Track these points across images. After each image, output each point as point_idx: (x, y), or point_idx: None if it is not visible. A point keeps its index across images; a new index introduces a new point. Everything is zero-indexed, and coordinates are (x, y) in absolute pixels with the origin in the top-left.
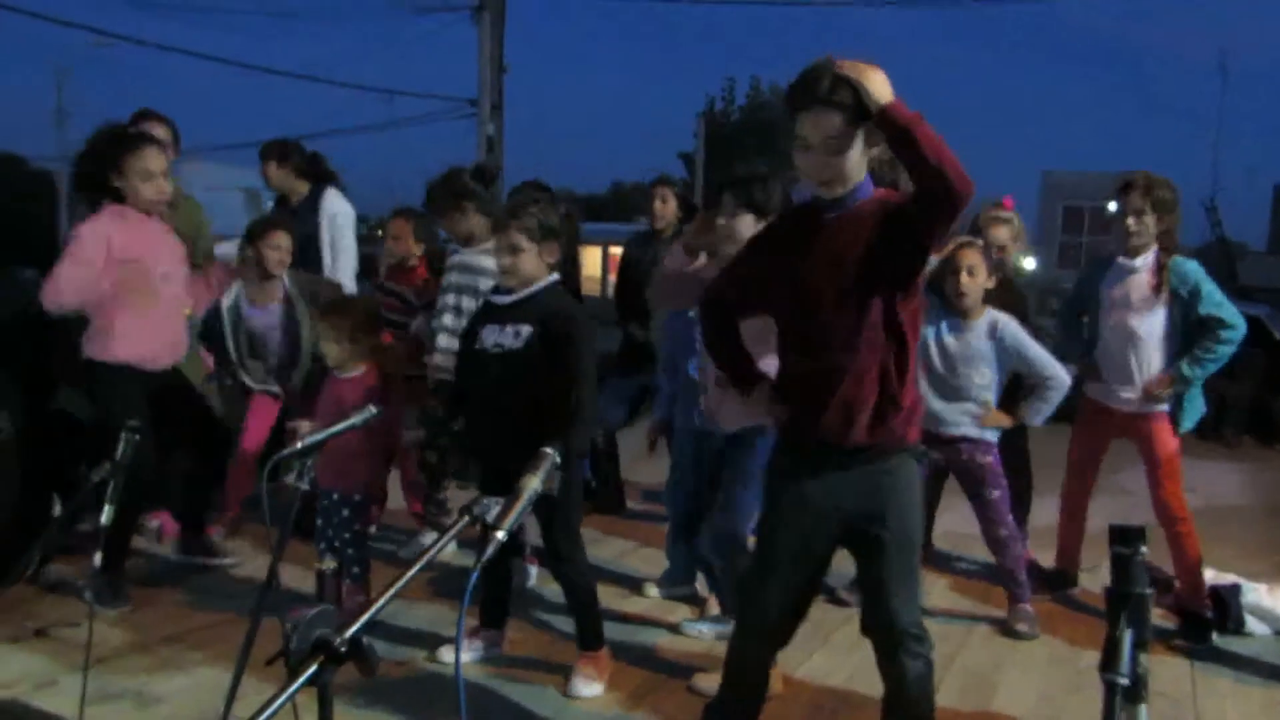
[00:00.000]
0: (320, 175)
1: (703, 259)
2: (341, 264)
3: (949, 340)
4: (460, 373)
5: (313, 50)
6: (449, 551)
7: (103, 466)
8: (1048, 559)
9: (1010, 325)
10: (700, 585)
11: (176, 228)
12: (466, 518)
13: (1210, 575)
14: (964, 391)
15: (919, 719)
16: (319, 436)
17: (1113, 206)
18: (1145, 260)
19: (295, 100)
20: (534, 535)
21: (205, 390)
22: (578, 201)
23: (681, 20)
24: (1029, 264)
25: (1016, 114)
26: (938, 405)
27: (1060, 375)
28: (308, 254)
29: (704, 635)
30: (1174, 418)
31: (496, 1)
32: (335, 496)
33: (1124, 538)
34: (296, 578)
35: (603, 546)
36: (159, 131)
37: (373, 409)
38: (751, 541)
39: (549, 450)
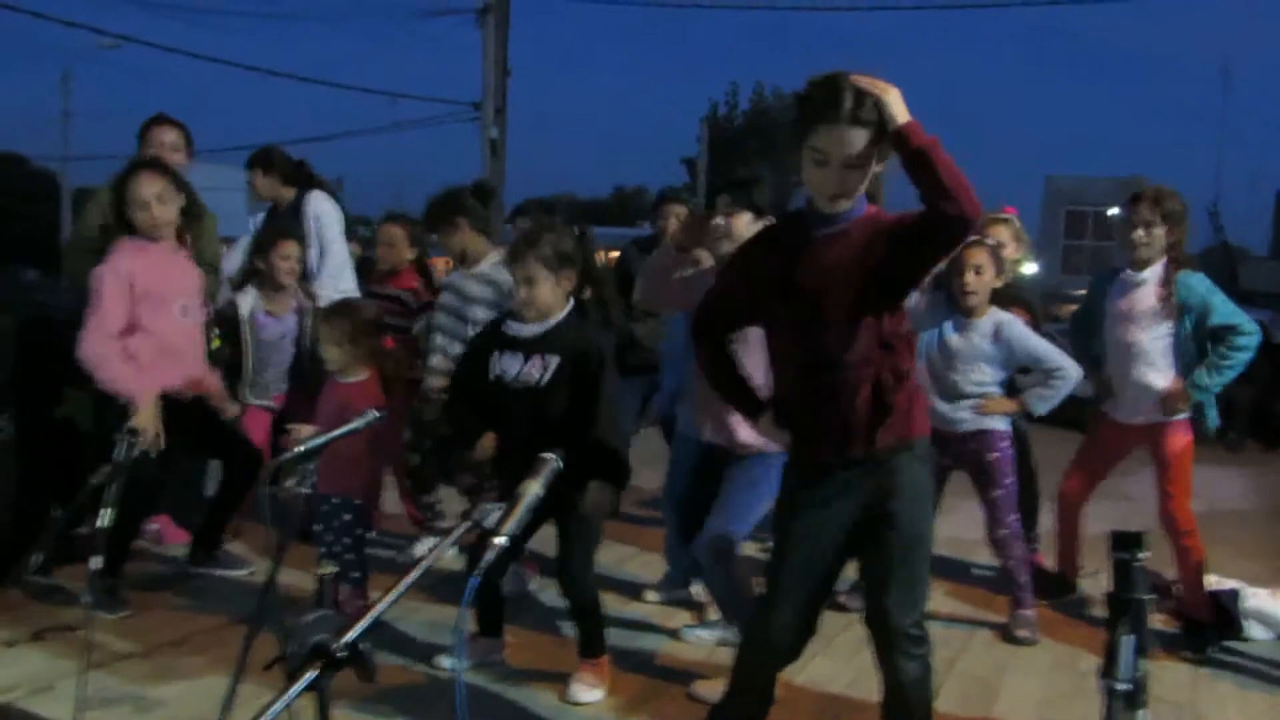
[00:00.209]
0: (306, 181)
1: (706, 259)
2: (329, 265)
3: (952, 338)
4: (469, 399)
5: (316, 53)
6: (448, 556)
7: (101, 470)
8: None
9: (1015, 324)
10: (699, 590)
11: (199, 246)
12: (466, 522)
13: (1212, 580)
14: (962, 389)
15: (915, 713)
16: (319, 441)
17: (1115, 212)
18: (1152, 273)
19: (298, 102)
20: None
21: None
22: (580, 206)
23: (685, 24)
24: (1030, 269)
25: (1020, 118)
26: (938, 404)
27: (1069, 367)
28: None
29: (704, 641)
30: (1195, 425)
31: (501, 4)
32: (335, 501)
33: (1124, 543)
34: (296, 583)
35: (602, 551)
36: (170, 136)
37: (374, 412)
38: (745, 548)
39: (550, 456)
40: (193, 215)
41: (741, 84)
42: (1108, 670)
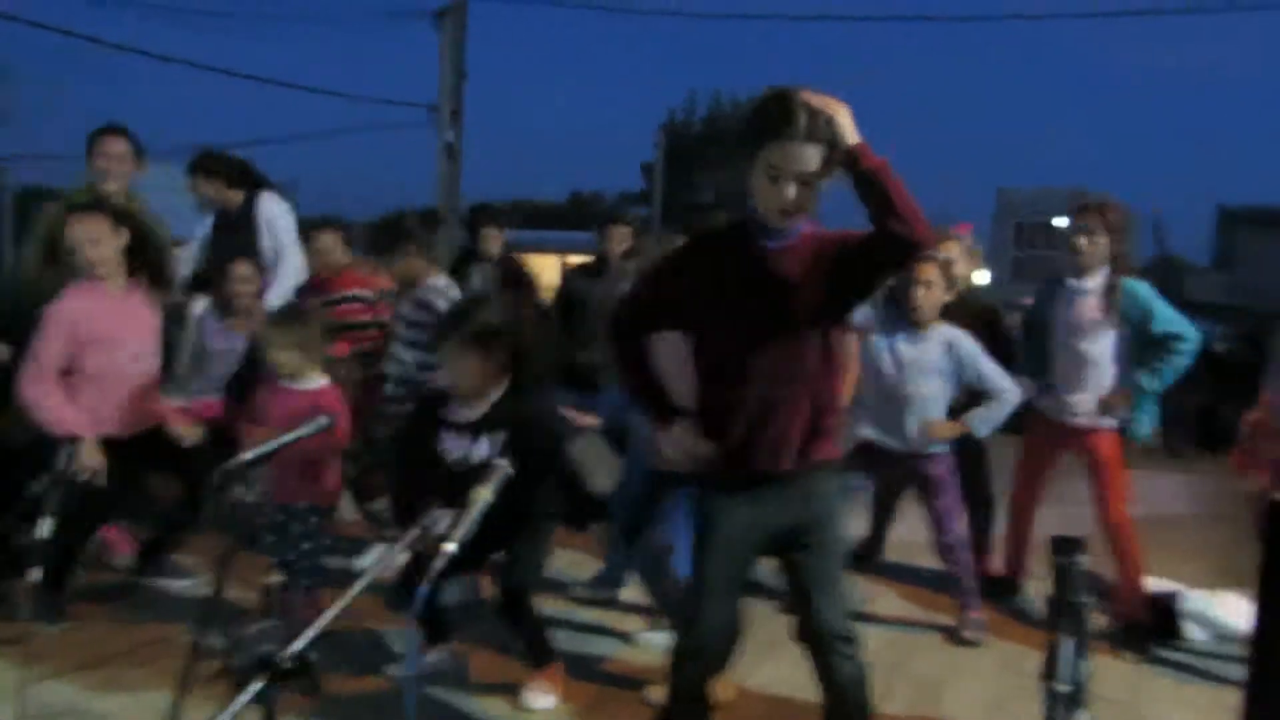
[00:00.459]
0: (252, 182)
1: None
2: (285, 268)
3: (903, 349)
4: (418, 473)
5: (270, 53)
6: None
7: (41, 479)
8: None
9: (964, 341)
10: (636, 592)
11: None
12: (416, 529)
13: (1152, 583)
14: (913, 401)
15: (856, 712)
16: (267, 447)
17: (1062, 222)
18: (1095, 282)
19: (252, 103)
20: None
21: None
22: (536, 210)
23: (643, 32)
24: (982, 278)
25: (972, 131)
26: (887, 418)
27: (1010, 389)
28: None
29: (657, 645)
30: (1128, 430)
31: (458, 8)
32: (287, 508)
33: (1064, 548)
34: (243, 592)
35: (555, 557)
36: (118, 147)
37: (323, 419)
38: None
39: (501, 462)
40: (143, 249)
41: (699, 92)
42: (1049, 672)
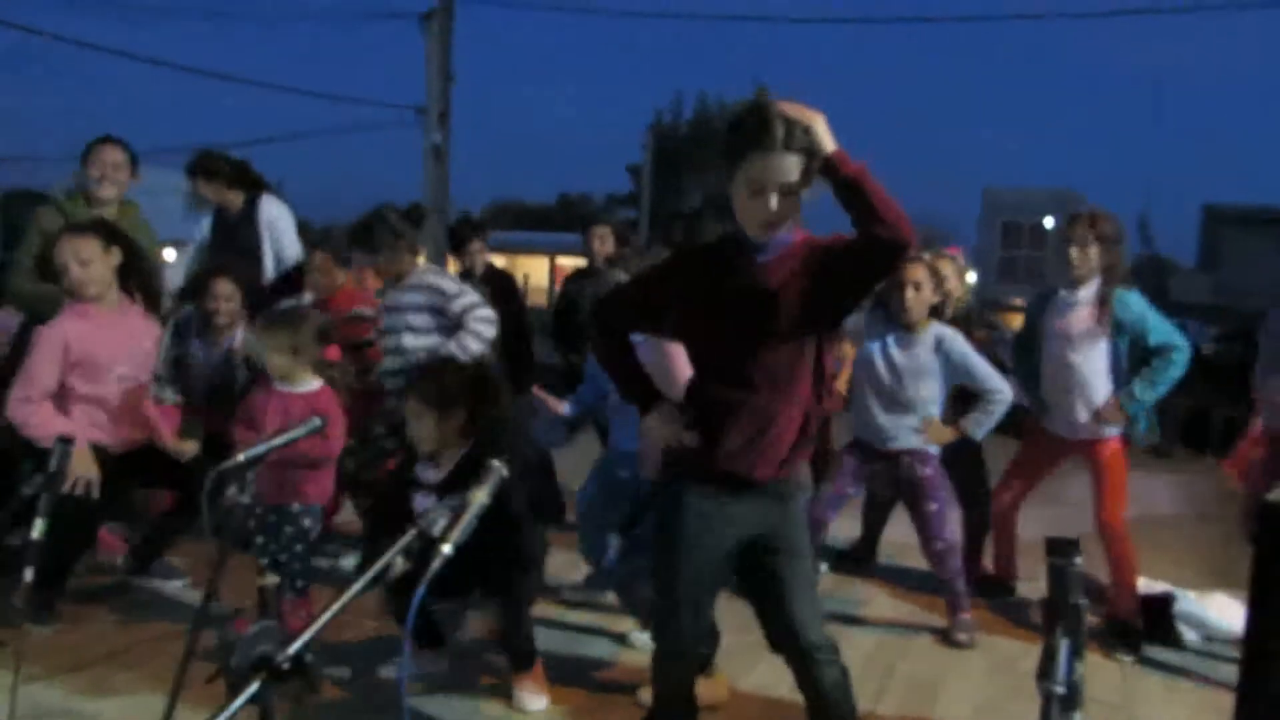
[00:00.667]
0: (251, 183)
1: None
2: (287, 268)
3: (895, 353)
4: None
5: (257, 54)
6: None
7: (35, 479)
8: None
9: (956, 340)
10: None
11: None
12: (413, 530)
13: (1143, 584)
14: (910, 404)
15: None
16: (261, 448)
17: (1050, 222)
18: (1087, 293)
19: (239, 104)
20: None
21: None
22: (525, 212)
23: (630, 34)
24: (969, 278)
25: (959, 132)
26: (883, 419)
27: (1003, 389)
28: (250, 267)
29: (651, 645)
30: (1129, 436)
31: (445, 9)
32: (280, 510)
33: (1059, 549)
34: (236, 594)
35: (545, 562)
36: (115, 156)
37: (316, 420)
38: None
39: (496, 463)
40: (136, 268)
41: (686, 94)
42: (1045, 673)
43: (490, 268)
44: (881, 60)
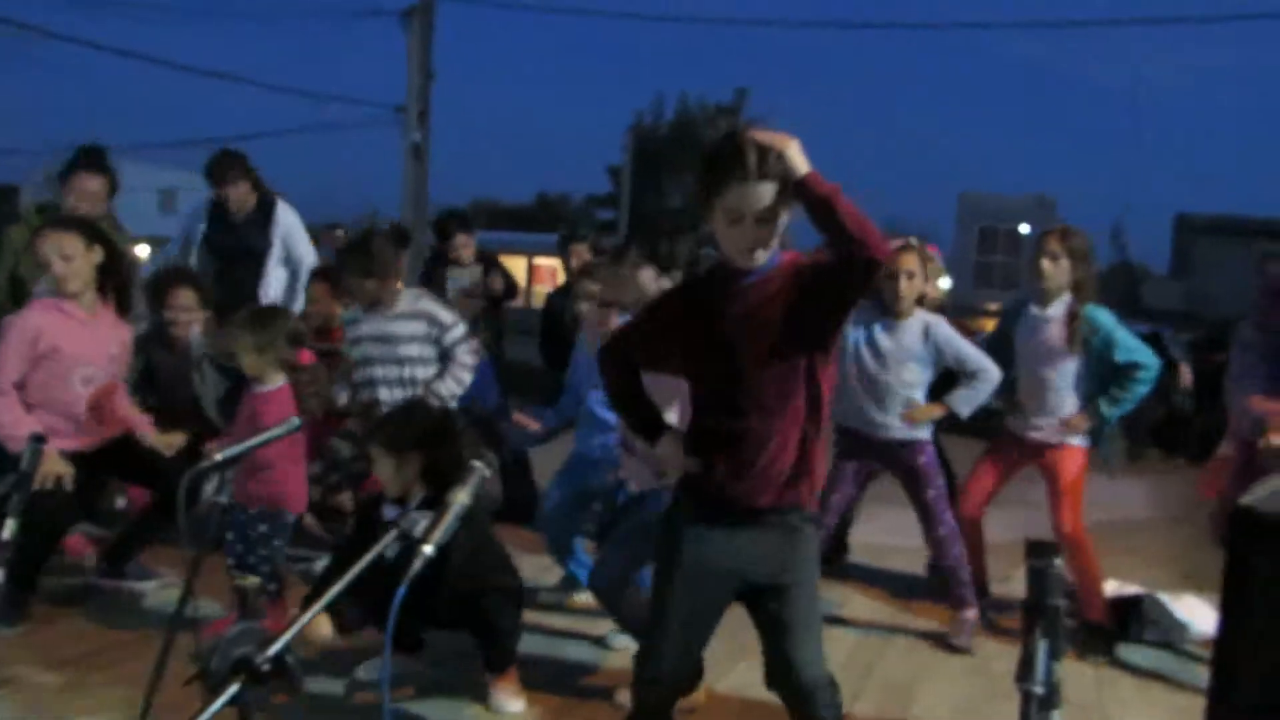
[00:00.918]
0: (262, 185)
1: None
2: (304, 280)
3: (881, 338)
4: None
5: (235, 50)
6: None
7: (6, 479)
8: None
9: (942, 325)
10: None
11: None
12: (393, 531)
13: (1113, 586)
14: (894, 389)
15: None
16: (238, 449)
17: (1025, 229)
18: (1057, 309)
19: (216, 100)
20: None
21: None
22: (503, 212)
23: (612, 34)
24: (945, 284)
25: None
26: (869, 406)
27: (991, 369)
28: (252, 268)
29: (629, 647)
30: (1097, 450)
31: (425, 7)
32: (250, 512)
33: (1039, 551)
34: (212, 595)
35: (522, 564)
36: (92, 185)
37: (294, 420)
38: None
39: (478, 464)
40: (115, 269)
41: (666, 95)
42: (1024, 674)
43: (487, 255)
44: (861, 64)
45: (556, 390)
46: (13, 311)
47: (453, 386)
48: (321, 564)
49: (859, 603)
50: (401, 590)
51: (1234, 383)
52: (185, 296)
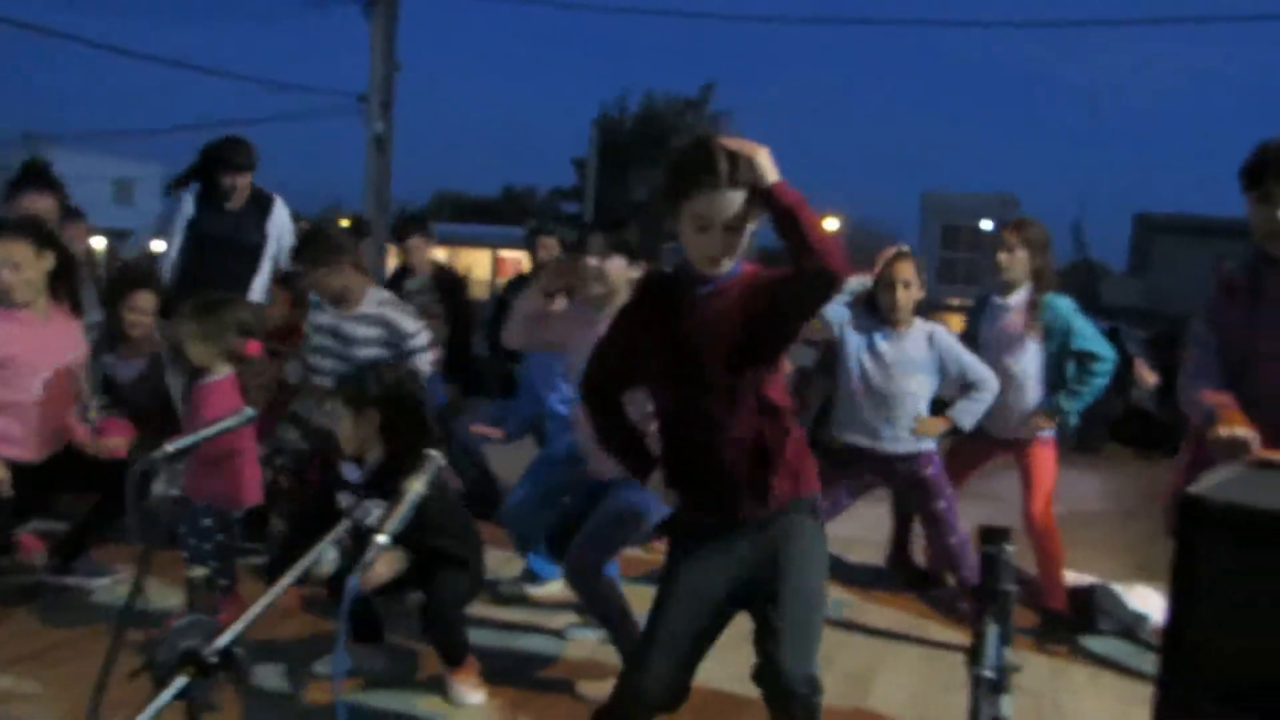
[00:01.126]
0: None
1: (560, 300)
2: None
3: (884, 347)
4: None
5: (194, 38)
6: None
7: None
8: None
9: (944, 333)
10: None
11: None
12: (346, 521)
13: (1070, 577)
14: (900, 400)
15: None
16: (190, 440)
17: (987, 225)
18: (1018, 299)
19: (175, 88)
20: None
21: None
22: (468, 204)
23: (578, 27)
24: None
25: (899, 135)
26: (874, 419)
27: (991, 379)
28: (244, 263)
29: (589, 640)
30: (1060, 435)
31: None
32: (199, 505)
33: (991, 538)
34: (164, 589)
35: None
36: (43, 205)
37: (248, 410)
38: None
39: (433, 453)
40: (68, 275)
41: (632, 88)
42: (975, 659)
43: (439, 267)
44: (825, 62)
45: (505, 378)
46: None
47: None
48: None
49: None
50: (354, 580)
51: (1187, 378)
52: (144, 299)
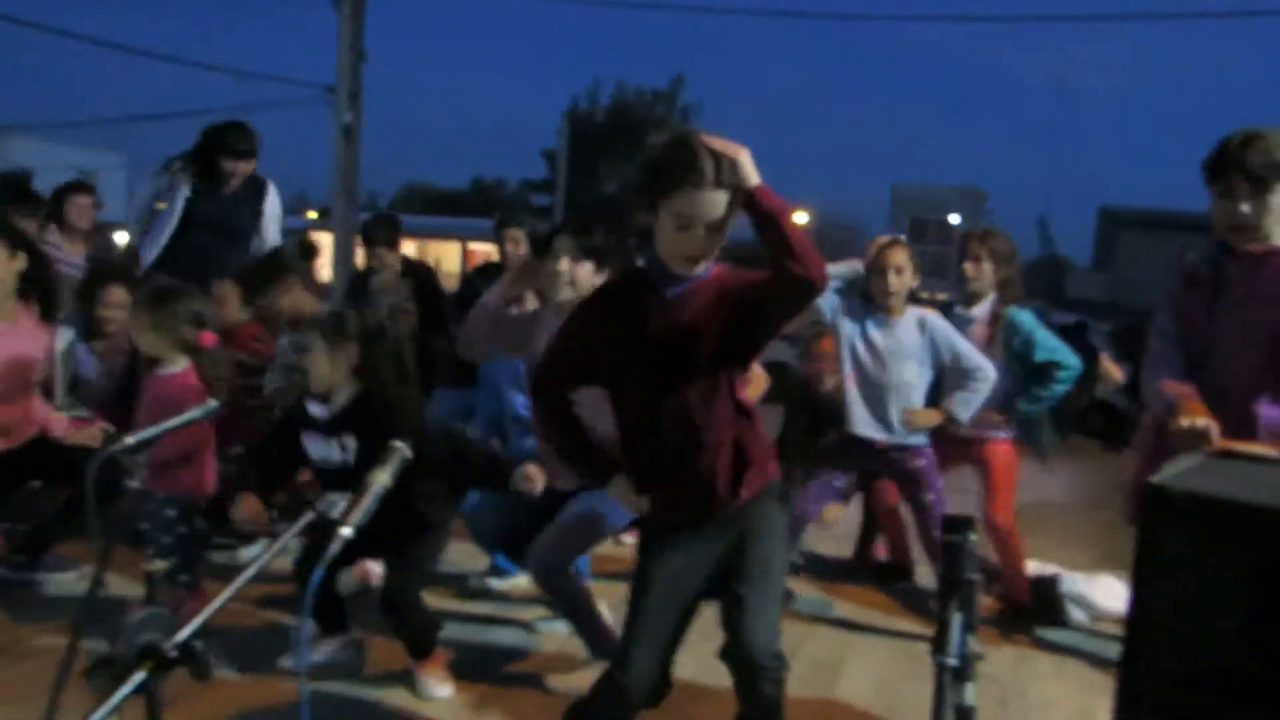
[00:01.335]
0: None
1: (529, 301)
2: None
3: (876, 336)
4: (278, 465)
5: (157, 26)
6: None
7: None
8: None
9: (937, 320)
10: (501, 583)
11: None
12: (310, 513)
13: (1033, 567)
14: (896, 389)
15: None
16: (152, 431)
17: (955, 219)
18: (981, 310)
19: (137, 78)
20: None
21: None
22: (438, 196)
23: (549, 19)
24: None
25: (867, 128)
26: (866, 410)
27: (987, 367)
28: (234, 248)
29: (558, 633)
30: (1033, 445)
31: None
32: (161, 497)
33: (954, 527)
34: (127, 584)
35: (450, 551)
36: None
37: (212, 401)
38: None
39: (399, 445)
40: (40, 276)
41: (603, 81)
42: (938, 647)
43: (409, 261)
44: (795, 55)
45: (465, 368)
46: None
47: None
48: (246, 551)
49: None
50: (319, 572)
51: (1148, 368)
52: (116, 294)
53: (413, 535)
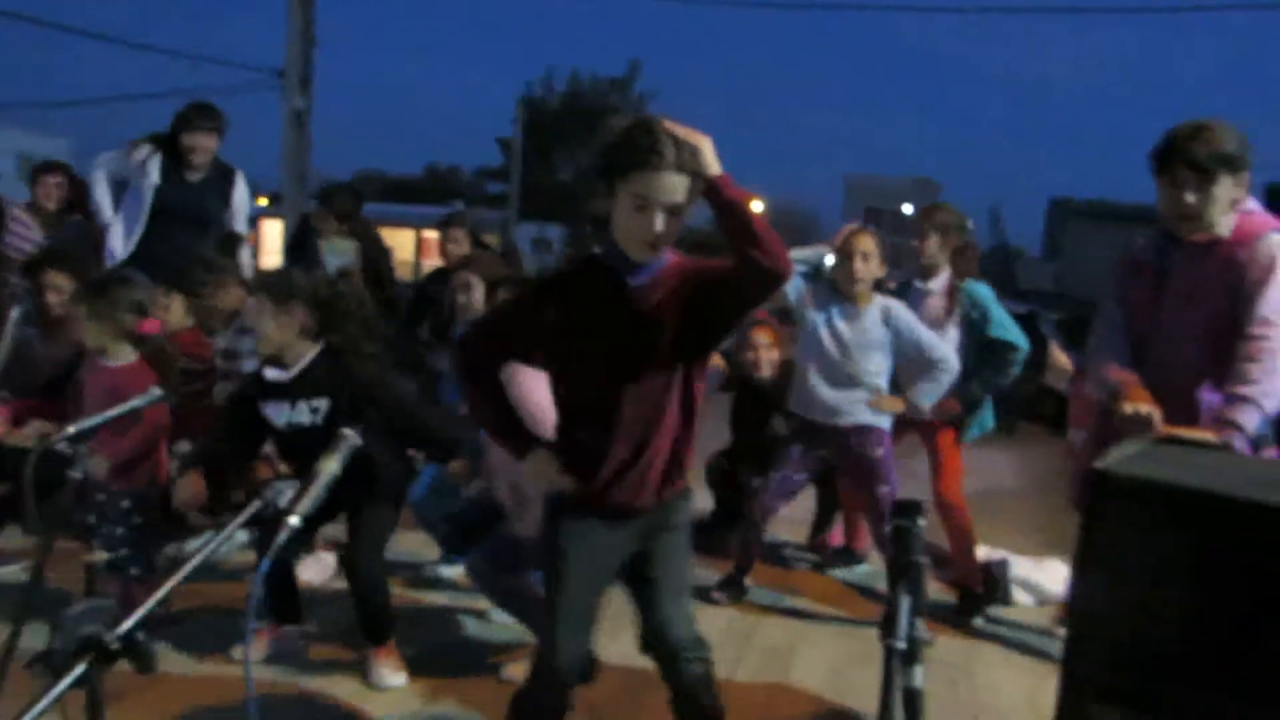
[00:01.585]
0: None
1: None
2: (243, 254)
3: (841, 326)
4: (242, 439)
5: (102, 7)
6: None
7: None
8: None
9: (902, 311)
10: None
11: None
12: (257, 502)
13: (983, 552)
14: (857, 378)
15: (707, 711)
16: (95, 420)
17: (908, 209)
18: (938, 283)
19: (82, 61)
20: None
21: None
22: (391, 184)
23: (503, 4)
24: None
25: (822, 118)
26: (830, 394)
27: (950, 358)
28: (201, 236)
29: (511, 622)
30: (960, 427)
31: None
32: (111, 489)
33: (903, 511)
34: (70, 578)
35: (401, 539)
36: None
37: (156, 391)
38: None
39: (348, 432)
40: None
41: (558, 68)
42: (887, 630)
43: (360, 227)
44: (751, 44)
45: (416, 363)
46: None
47: None
48: (192, 545)
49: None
50: (265, 563)
51: (1093, 354)
52: (58, 278)
53: (369, 490)
